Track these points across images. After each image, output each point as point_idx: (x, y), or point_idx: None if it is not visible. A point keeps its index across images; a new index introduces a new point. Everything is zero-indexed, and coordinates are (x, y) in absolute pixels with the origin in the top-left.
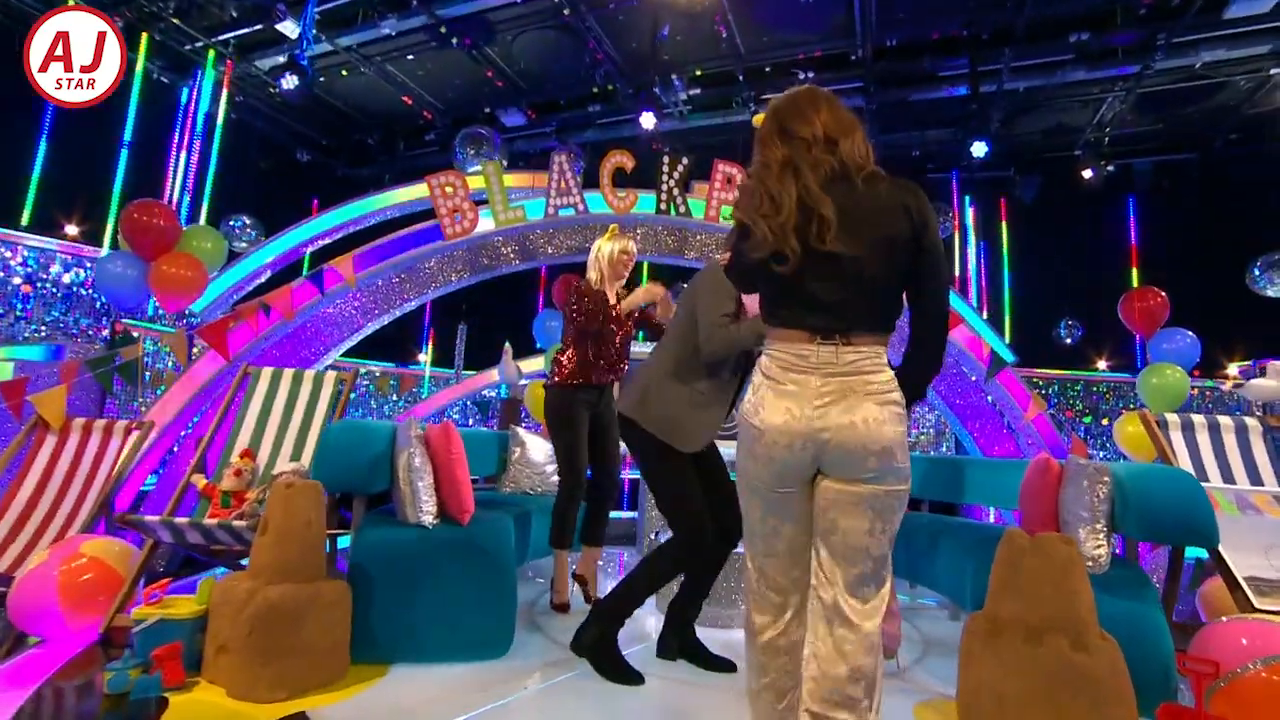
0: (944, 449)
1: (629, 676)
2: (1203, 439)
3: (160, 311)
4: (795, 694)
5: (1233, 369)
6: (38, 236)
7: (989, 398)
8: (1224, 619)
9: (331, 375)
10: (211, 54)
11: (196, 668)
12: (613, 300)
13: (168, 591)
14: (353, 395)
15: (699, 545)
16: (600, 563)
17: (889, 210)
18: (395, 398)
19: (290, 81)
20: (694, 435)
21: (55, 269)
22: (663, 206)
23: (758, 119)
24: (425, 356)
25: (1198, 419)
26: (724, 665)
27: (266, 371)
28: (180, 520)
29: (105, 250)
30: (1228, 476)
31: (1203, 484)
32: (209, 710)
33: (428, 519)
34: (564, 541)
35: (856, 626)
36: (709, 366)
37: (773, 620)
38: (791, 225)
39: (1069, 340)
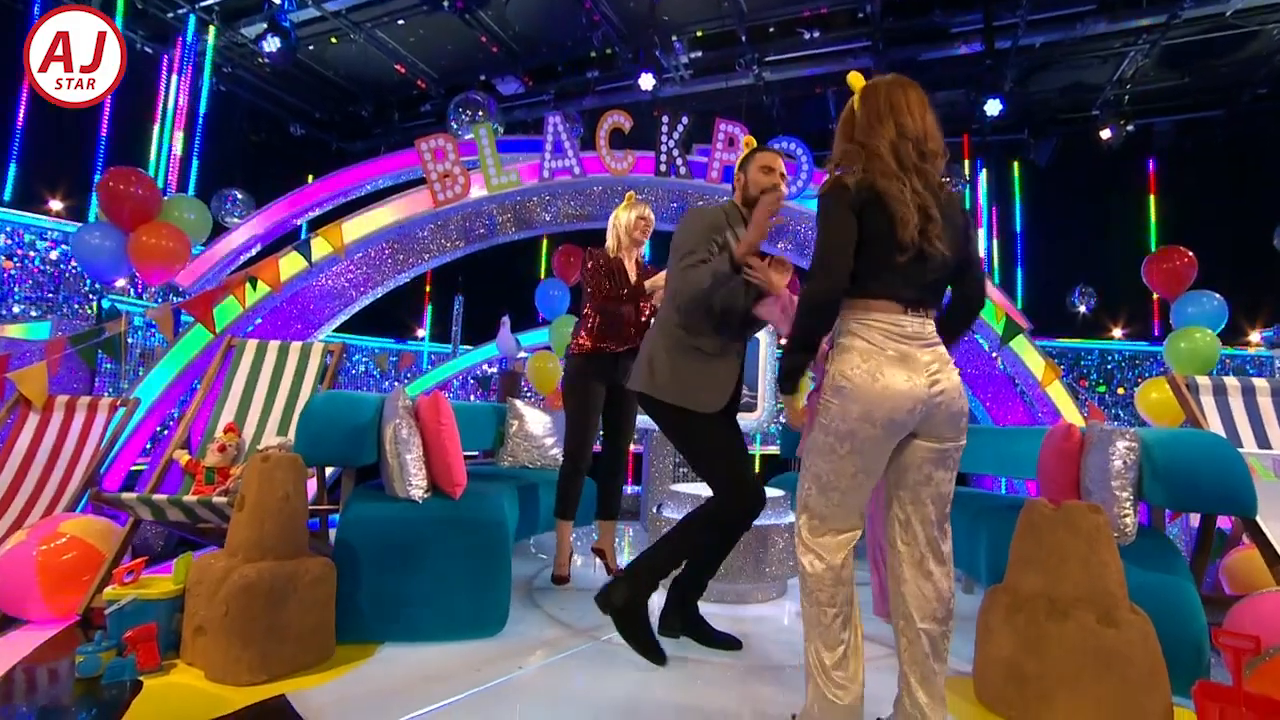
0: None
1: (653, 651)
2: (1235, 402)
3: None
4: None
5: (1255, 336)
6: (21, 212)
7: (1000, 364)
8: (1262, 592)
9: (319, 346)
10: (194, 20)
11: (176, 649)
12: (631, 270)
13: (145, 571)
14: (352, 373)
15: (744, 501)
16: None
17: (958, 210)
18: (394, 373)
19: (272, 44)
20: (709, 395)
21: (43, 245)
22: (663, 168)
23: (855, 79)
24: (424, 332)
25: (1230, 381)
26: (729, 642)
27: (251, 343)
28: (159, 497)
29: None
30: (1263, 441)
31: (1237, 449)
32: (184, 693)
33: (417, 493)
34: (566, 512)
35: (946, 557)
36: (710, 323)
37: (841, 554)
38: (915, 220)
39: (1083, 308)
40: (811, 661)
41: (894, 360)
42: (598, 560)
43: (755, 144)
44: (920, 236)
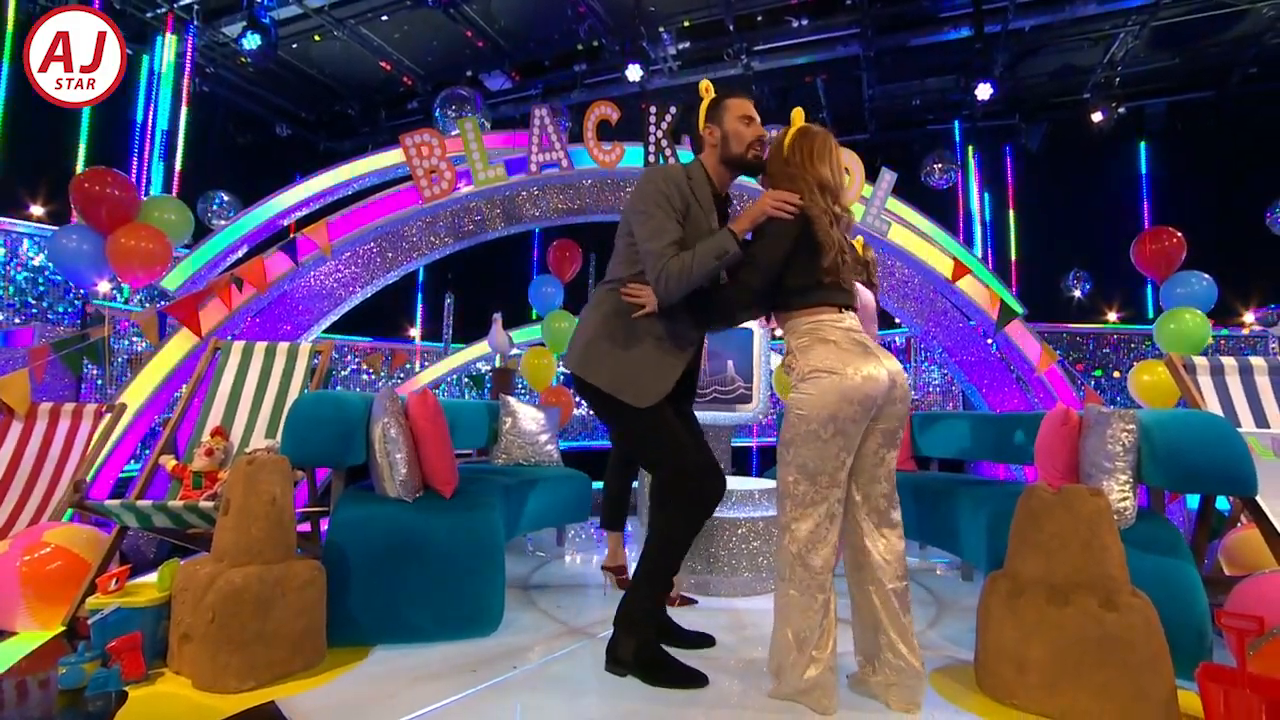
0: (949, 406)
1: (692, 680)
2: (1233, 382)
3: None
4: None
5: (1249, 316)
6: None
7: (995, 349)
8: (1264, 571)
9: (306, 347)
10: (173, 19)
11: (163, 658)
12: None
13: (133, 578)
14: (343, 373)
15: (706, 492)
16: (591, 538)
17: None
18: (386, 374)
19: (252, 41)
20: (646, 388)
21: (24, 250)
22: (651, 159)
23: (798, 114)
24: (416, 330)
25: (1228, 361)
26: (702, 641)
27: (237, 345)
28: (144, 503)
29: None
30: (1261, 420)
31: (1236, 429)
32: (171, 703)
33: (408, 493)
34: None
35: (897, 524)
36: (682, 307)
37: (832, 546)
38: (834, 251)
39: (1077, 292)
40: (787, 642)
41: (856, 351)
42: (594, 558)
43: (713, 88)
44: (841, 265)
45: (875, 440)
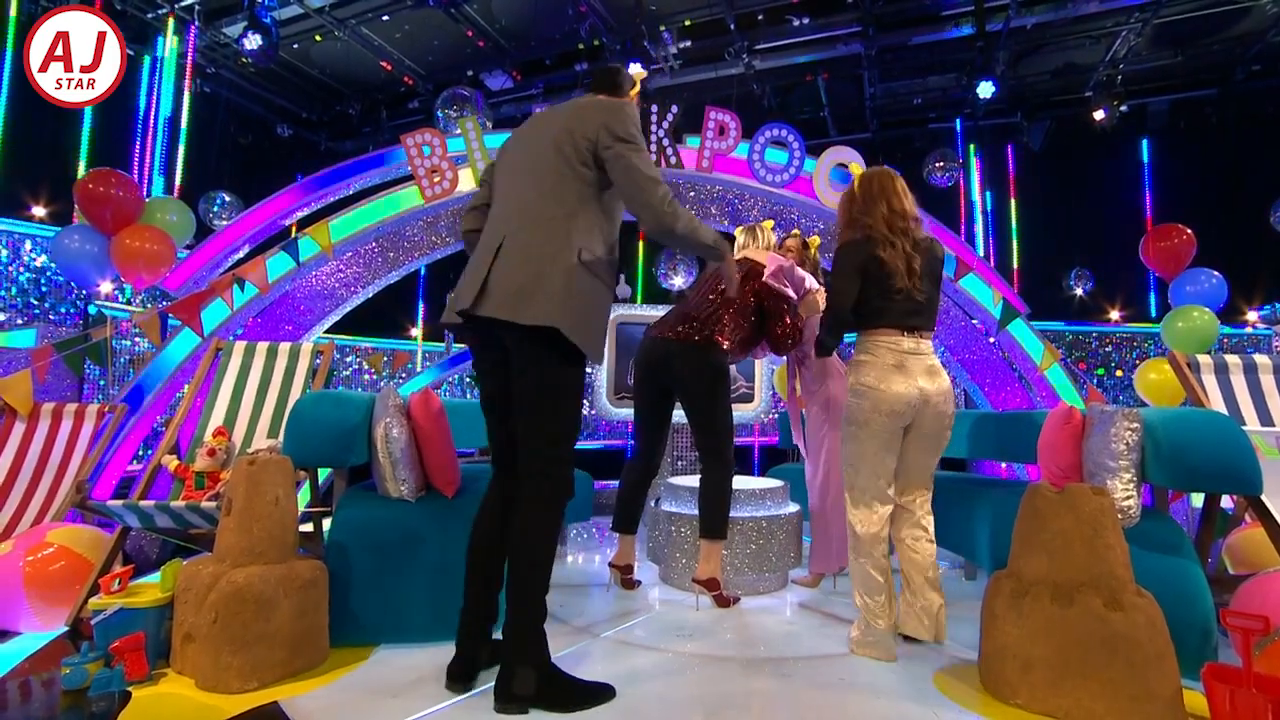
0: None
1: (599, 695)
2: (1238, 380)
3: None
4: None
5: (1252, 314)
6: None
7: (997, 348)
8: (1270, 570)
9: (308, 347)
10: (174, 20)
11: (166, 658)
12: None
13: (136, 578)
14: (345, 374)
15: (571, 489)
16: (593, 537)
17: (935, 259)
18: (388, 374)
19: (253, 41)
20: (605, 342)
21: (27, 252)
22: (654, 159)
23: (855, 167)
24: (418, 331)
25: (1232, 359)
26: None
27: (239, 345)
28: (146, 504)
29: None
30: (1266, 419)
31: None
32: (174, 703)
33: (410, 492)
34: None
35: (927, 527)
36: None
37: (876, 522)
38: (903, 271)
39: (1079, 291)
40: (857, 602)
41: (895, 369)
42: (596, 557)
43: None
44: (908, 281)
45: (914, 446)
